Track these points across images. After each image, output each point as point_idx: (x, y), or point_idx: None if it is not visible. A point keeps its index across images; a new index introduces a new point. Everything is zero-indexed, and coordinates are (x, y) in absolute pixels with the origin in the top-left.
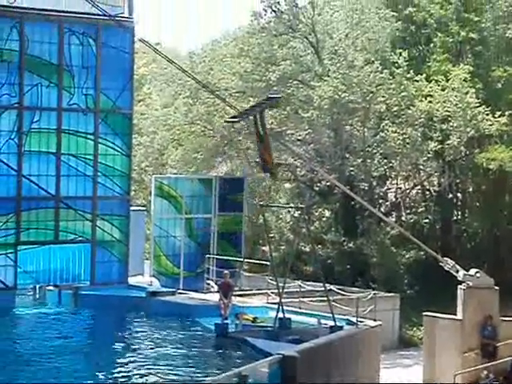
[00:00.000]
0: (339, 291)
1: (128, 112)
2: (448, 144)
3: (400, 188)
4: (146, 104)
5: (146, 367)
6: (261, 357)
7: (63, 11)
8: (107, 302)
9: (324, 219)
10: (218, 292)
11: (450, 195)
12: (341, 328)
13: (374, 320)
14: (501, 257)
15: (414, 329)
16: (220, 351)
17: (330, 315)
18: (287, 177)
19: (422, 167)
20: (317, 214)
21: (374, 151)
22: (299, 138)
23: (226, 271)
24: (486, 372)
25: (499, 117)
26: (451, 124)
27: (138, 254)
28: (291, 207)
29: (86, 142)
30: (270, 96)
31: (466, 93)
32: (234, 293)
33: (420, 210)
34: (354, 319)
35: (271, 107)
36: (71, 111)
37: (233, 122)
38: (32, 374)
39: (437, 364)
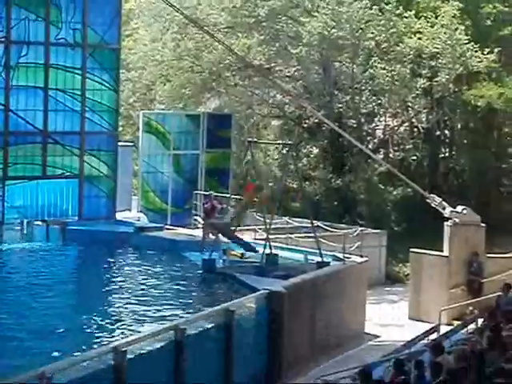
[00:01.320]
0: (326, 227)
1: (116, 47)
2: (436, 81)
3: (388, 125)
4: (134, 39)
5: (132, 303)
6: (248, 292)
7: None
8: (95, 237)
9: (312, 156)
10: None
11: (438, 132)
12: (327, 264)
13: (361, 256)
14: (488, 194)
15: (401, 265)
16: (207, 286)
17: (317, 251)
18: (275, 113)
19: (410, 104)
20: (305, 150)
21: (363, 88)
22: (288, 74)
23: (210, 192)
24: (471, 308)
25: (488, 54)
26: (440, 61)
27: (125, 190)
28: (279, 143)
29: (73, 76)
30: None
31: (455, 29)
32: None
33: (408, 147)
34: (340, 255)
35: None
36: (59, 46)
37: None
38: (17, 306)
39: (423, 300)
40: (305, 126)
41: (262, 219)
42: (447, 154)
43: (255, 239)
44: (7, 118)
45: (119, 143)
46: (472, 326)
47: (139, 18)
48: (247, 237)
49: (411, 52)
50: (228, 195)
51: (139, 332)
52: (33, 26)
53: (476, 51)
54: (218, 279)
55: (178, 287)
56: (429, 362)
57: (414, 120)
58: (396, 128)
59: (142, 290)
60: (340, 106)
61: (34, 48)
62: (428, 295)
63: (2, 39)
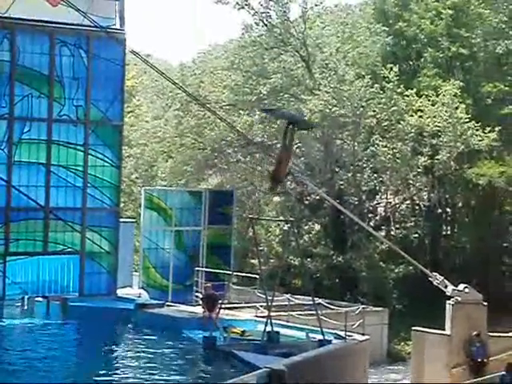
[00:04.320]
0: (328, 305)
1: (118, 123)
2: (438, 159)
3: (390, 202)
4: (136, 116)
5: (132, 380)
6: (249, 370)
7: (55, 22)
8: (95, 314)
9: (313, 233)
10: (200, 305)
11: (440, 210)
12: (329, 342)
13: (363, 334)
14: (489, 272)
15: (403, 343)
16: (208, 364)
17: (319, 329)
18: (277, 190)
19: (411, 182)
20: (306, 227)
21: (364, 165)
22: None
23: (208, 284)
24: None
25: (489, 132)
26: (441, 139)
27: (126, 266)
28: (281, 220)
29: (75, 153)
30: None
31: (456, 108)
32: (222, 305)
33: (409, 224)
34: (342, 333)
35: (303, 129)
36: (61, 122)
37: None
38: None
39: (425, 379)
40: (306, 202)
41: (263, 296)
42: (449, 232)
43: (256, 316)
44: (9, 193)
45: (121, 219)
46: None
47: (142, 94)
48: (248, 314)
49: (412, 130)
50: (230, 272)
51: None
52: (36, 102)
53: (477, 130)
54: (219, 356)
55: (178, 365)
56: None
57: (415, 198)
58: (397, 205)
59: (142, 367)
60: (341, 183)
61: (37, 124)
62: (430, 375)
63: (6, 116)
